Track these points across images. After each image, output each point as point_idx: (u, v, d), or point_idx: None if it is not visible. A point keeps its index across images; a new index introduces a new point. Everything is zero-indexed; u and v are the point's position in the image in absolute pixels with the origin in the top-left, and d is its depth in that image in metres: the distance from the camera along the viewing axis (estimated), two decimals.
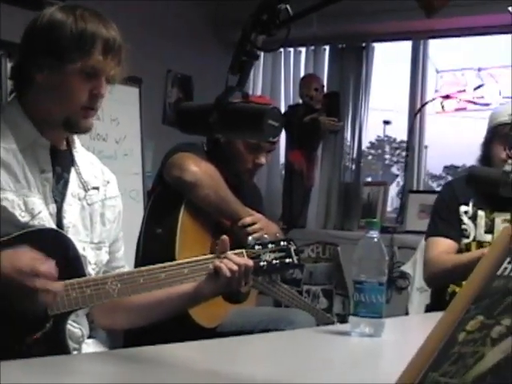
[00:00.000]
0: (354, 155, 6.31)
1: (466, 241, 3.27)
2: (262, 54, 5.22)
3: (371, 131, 6.42)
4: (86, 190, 2.10)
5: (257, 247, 2.30)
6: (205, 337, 2.03)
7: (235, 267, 2.14)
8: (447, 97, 5.92)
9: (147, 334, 2.23)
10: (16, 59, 2.09)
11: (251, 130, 1.50)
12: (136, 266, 2.69)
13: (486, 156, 3.33)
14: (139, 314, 2.19)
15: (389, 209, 6.55)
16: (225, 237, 2.21)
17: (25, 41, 2.03)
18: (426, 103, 6.08)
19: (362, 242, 2.11)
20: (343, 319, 5.06)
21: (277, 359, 1.86)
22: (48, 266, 1.78)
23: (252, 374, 1.58)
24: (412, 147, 6.09)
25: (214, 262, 2.13)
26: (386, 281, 2.08)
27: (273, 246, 2.33)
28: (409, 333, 2.33)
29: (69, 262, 1.92)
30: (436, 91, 6.14)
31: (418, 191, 6.07)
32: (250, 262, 2.21)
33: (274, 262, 2.31)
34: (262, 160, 3.09)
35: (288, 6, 1.51)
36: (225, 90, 1.50)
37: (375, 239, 2.09)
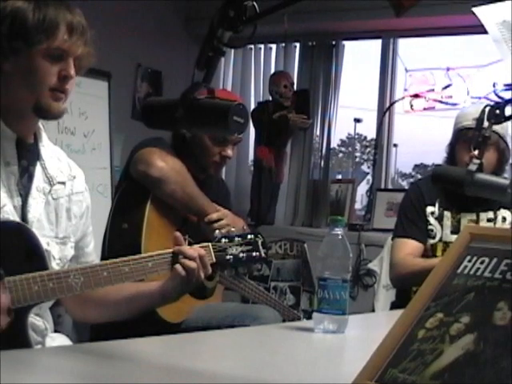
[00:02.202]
0: (323, 152, 6.32)
1: (432, 241, 3.30)
2: (232, 50, 5.21)
3: (342, 129, 6.44)
4: (51, 184, 2.09)
5: (223, 240, 2.30)
6: (170, 332, 2.03)
7: (192, 264, 2.14)
8: (416, 96, 5.95)
9: (113, 329, 2.22)
10: None
11: (216, 125, 1.50)
12: (102, 260, 2.68)
13: (452, 158, 3.36)
14: (109, 309, 2.20)
15: (358, 206, 6.58)
16: (177, 233, 2.22)
17: None
18: (395, 102, 6.10)
19: (326, 239, 2.12)
20: (310, 316, 5.06)
21: (240, 355, 1.86)
22: (3, 298, 1.77)
23: (215, 370, 1.58)
24: (381, 145, 6.12)
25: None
26: (350, 278, 2.10)
27: (239, 239, 2.33)
28: (373, 329, 2.34)
29: (31, 255, 1.91)
30: (405, 90, 6.17)
31: (385, 189, 6.10)
32: (202, 251, 2.20)
33: (241, 255, 2.31)
34: (229, 152, 3.09)
35: (255, 3, 1.51)
36: (191, 85, 1.50)
37: (339, 236, 2.10)
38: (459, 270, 1.22)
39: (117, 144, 5.36)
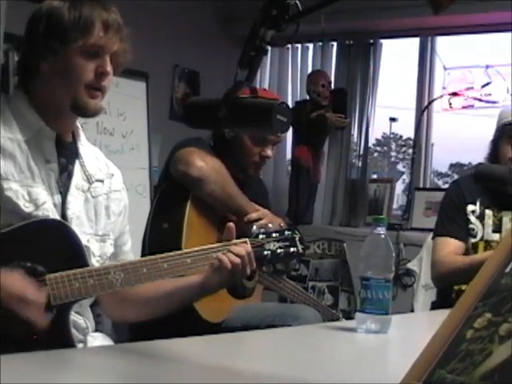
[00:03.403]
0: (361, 152, 6.29)
1: (473, 240, 3.27)
2: (270, 49, 5.21)
3: (377, 128, 6.41)
4: (90, 182, 2.11)
5: (261, 236, 2.29)
6: (210, 332, 2.03)
7: (237, 259, 2.14)
8: (455, 94, 5.90)
9: (153, 329, 2.23)
10: (20, 52, 2.10)
11: (260, 124, 1.50)
12: None
13: (494, 154, 3.32)
14: (148, 307, 2.20)
15: (394, 206, 6.54)
16: (231, 224, 2.22)
17: (27, 32, 2.05)
18: (434, 100, 6.05)
19: (369, 239, 2.10)
20: (348, 315, 5.05)
21: (283, 355, 1.86)
22: (38, 295, 1.78)
23: (257, 370, 1.58)
24: (419, 144, 6.08)
25: (216, 255, 2.13)
26: (392, 277, 2.08)
27: (277, 235, 2.32)
28: (415, 330, 2.33)
29: (72, 252, 1.92)
30: (443, 88, 6.12)
31: (424, 188, 6.06)
32: (250, 249, 2.20)
33: (279, 251, 2.30)
34: (268, 153, 3.09)
35: (297, 2, 1.51)
36: (233, 84, 1.50)
37: (382, 236, 2.08)
38: (508, 270, 1.20)
39: (155, 144, 5.37)
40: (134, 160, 4.94)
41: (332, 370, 1.64)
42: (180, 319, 2.29)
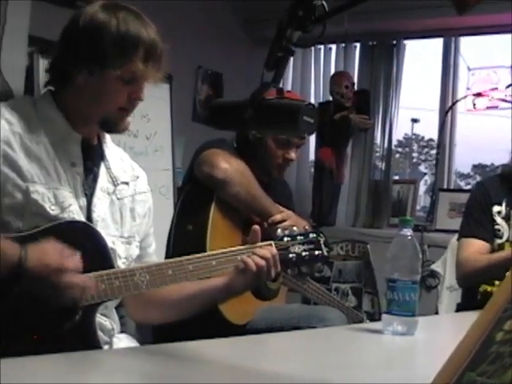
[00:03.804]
0: (384, 153, 6.27)
1: (499, 241, 3.24)
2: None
3: (399, 129, 6.38)
4: (115, 184, 2.11)
5: (285, 239, 2.28)
6: (235, 333, 2.03)
7: (262, 262, 2.14)
8: (479, 94, 5.86)
9: (177, 330, 2.23)
10: (54, 55, 2.07)
11: (286, 126, 1.49)
12: None
13: None
14: (172, 309, 2.20)
15: (417, 207, 6.52)
16: (256, 227, 2.21)
17: (65, 39, 2.02)
18: (458, 101, 6.02)
19: (395, 240, 2.09)
20: (372, 317, 5.04)
21: (309, 357, 1.85)
22: (74, 260, 1.79)
23: (283, 372, 1.57)
24: (443, 145, 6.05)
25: (242, 257, 2.13)
26: (419, 279, 2.07)
27: (302, 237, 2.31)
28: (441, 332, 2.32)
29: (98, 254, 1.93)
30: (467, 89, 6.09)
31: (448, 190, 6.03)
32: (275, 251, 2.19)
33: (304, 254, 2.29)
34: (292, 155, 3.09)
35: (324, 2, 1.50)
36: (260, 85, 1.49)
37: (409, 237, 2.07)
38: None
39: (178, 146, 5.37)
40: (157, 161, 4.95)
41: (359, 372, 1.63)
42: (204, 320, 2.29)
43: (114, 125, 2.05)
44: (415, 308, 2.04)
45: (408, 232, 2.08)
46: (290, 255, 2.26)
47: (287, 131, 1.74)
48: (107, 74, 1.96)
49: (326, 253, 2.33)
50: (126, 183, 2.16)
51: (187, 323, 2.20)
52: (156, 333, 2.76)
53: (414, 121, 13.24)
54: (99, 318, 1.99)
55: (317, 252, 2.31)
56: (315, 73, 6.59)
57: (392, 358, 1.87)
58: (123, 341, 2.12)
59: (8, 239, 1.78)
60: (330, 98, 6.06)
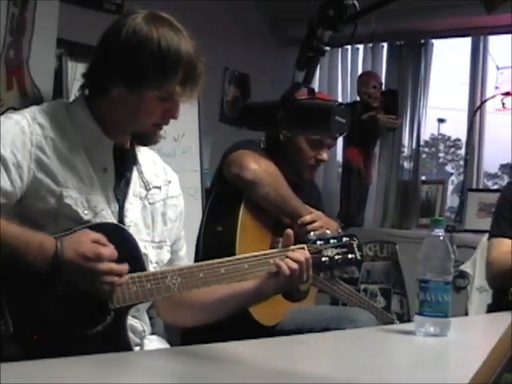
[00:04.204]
0: (412, 153, 6.24)
1: None
2: None
3: (425, 129, 6.34)
4: (147, 189, 2.11)
5: (318, 243, 2.27)
6: (264, 335, 2.03)
7: (295, 265, 2.12)
8: (508, 94, 5.82)
9: (206, 332, 2.22)
10: (92, 61, 2.06)
11: (318, 126, 1.49)
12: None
13: None
14: (203, 312, 2.19)
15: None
16: (290, 230, 2.20)
17: (105, 47, 2.01)
18: (486, 100, 5.98)
19: (427, 241, 2.08)
20: (401, 318, 5.01)
21: (340, 358, 1.85)
22: (110, 249, 1.81)
23: (315, 373, 1.57)
24: (471, 145, 6.01)
25: (274, 260, 2.12)
26: (451, 280, 2.05)
27: (335, 241, 2.29)
28: (474, 333, 2.30)
29: (129, 256, 1.93)
30: (496, 88, 6.04)
31: (477, 190, 5.99)
32: (308, 255, 2.18)
33: (337, 257, 2.28)
34: (324, 156, 3.07)
35: (355, 2, 1.50)
36: (291, 86, 1.49)
37: (440, 237, 2.06)
38: None
39: (205, 147, 5.37)
40: (185, 163, 4.95)
41: (392, 374, 1.63)
42: (234, 322, 2.28)
43: (147, 139, 2.06)
44: (448, 309, 2.03)
45: (440, 232, 2.06)
46: (323, 259, 2.25)
47: (319, 131, 1.74)
48: (144, 93, 1.95)
49: (359, 256, 2.31)
50: (159, 187, 2.15)
51: (216, 324, 2.20)
52: (184, 334, 2.76)
53: (441, 121, 13.15)
54: (130, 320, 1.99)
55: (350, 255, 2.29)
56: (342, 73, 6.58)
57: (425, 359, 1.86)
58: (154, 342, 2.13)
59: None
60: (358, 99, 6.04)
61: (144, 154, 2.16)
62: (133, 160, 2.11)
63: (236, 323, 2.31)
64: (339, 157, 6.40)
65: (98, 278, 1.78)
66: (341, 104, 1.47)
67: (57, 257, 1.75)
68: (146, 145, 2.11)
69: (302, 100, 1.48)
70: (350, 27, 1.52)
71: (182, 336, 2.78)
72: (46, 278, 1.77)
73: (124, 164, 2.08)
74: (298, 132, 2.47)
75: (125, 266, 1.83)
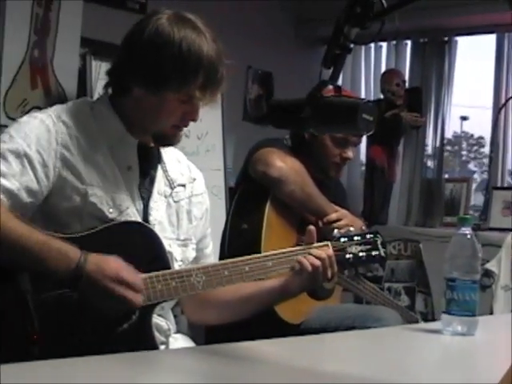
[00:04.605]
0: (436, 151, 6.22)
1: None
2: None
3: (447, 127, 6.31)
4: (172, 187, 2.11)
5: (342, 240, 2.26)
6: (289, 333, 2.03)
7: (317, 262, 2.12)
8: None
9: (230, 330, 2.22)
10: (115, 60, 2.07)
11: (345, 124, 1.49)
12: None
13: None
14: (228, 310, 2.19)
15: None
16: (312, 227, 2.19)
17: (128, 46, 2.02)
18: (511, 98, 5.94)
19: (454, 239, 2.06)
20: (425, 317, 4.99)
21: (367, 357, 1.84)
22: (133, 276, 1.80)
23: (342, 372, 1.56)
24: (496, 143, 5.97)
25: (297, 258, 2.11)
26: (479, 278, 2.03)
27: (359, 238, 2.28)
28: (501, 332, 2.27)
29: (154, 254, 1.93)
30: None
31: (502, 188, 5.95)
32: (331, 252, 2.17)
33: (361, 254, 2.27)
34: (350, 154, 3.06)
35: None
36: (318, 83, 1.49)
37: (468, 236, 2.04)
38: None
39: (228, 145, 5.37)
40: (209, 161, 4.94)
41: (419, 373, 1.62)
42: (259, 320, 2.28)
43: (167, 140, 2.06)
44: (475, 308, 2.01)
45: (467, 231, 2.05)
46: (347, 256, 2.24)
47: (346, 129, 1.74)
48: (164, 95, 1.95)
49: (383, 253, 2.30)
50: (183, 185, 2.15)
51: (241, 322, 2.20)
52: (209, 332, 2.76)
53: (464, 118, 13.11)
54: (156, 319, 1.99)
55: (374, 253, 2.28)
56: (366, 71, 6.57)
57: (453, 359, 1.85)
58: (179, 341, 2.13)
59: (67, 240, 1.80)
60: (381, 96, 6.02)
61: (168, 152, 2.16)
62: (157, 158, 2.12)
63: (261, 321, 2.30)
64: (363, 155, 6.38)
65: (114, 298, 1.77)
66: (368, 101, 1.47)
67: (78, 268, 1.75)
68: (165, 146, 2.11)
69: (329, 98, 1.47)
70: (377, 24, 1.51)
71: (206, 334, 2.78)
72: (67, 287, 1.77)
73: (148, 162, 2.08)
74: (324, 130, 2.46)
75: (140, 296, 1.82)
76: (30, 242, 1.74)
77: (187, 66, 1.93)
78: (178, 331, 2.19)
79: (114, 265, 1.79)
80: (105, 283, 1.76)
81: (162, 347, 2.03)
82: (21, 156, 1.87)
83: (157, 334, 1.99)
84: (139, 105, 2.00)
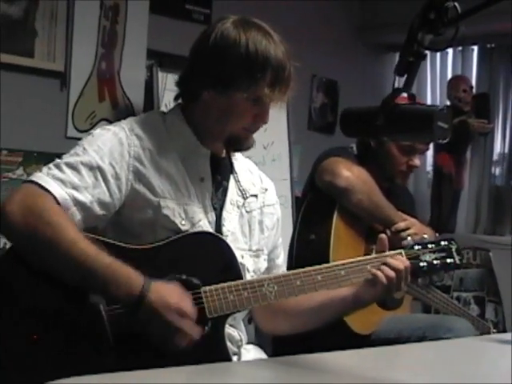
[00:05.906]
0: (505, 157, 6.13)
1: None
2: None
3: None
4: (244, 197, 2.10)
5: (416, 248, 2.22)
6: (359, 344, 2.00)
7: (392, 273, 2.08)
8: None
9: (299, 341, 2.21)
10: (183, 70, 2.07)
11: (421, 132, 1.47)
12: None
13: None
14: (300, 320, 2.17)
15: None
16: (383, 235, 2.16)
17: (194, 54, 2.03)
18: None
19: None
20: (496, 327, 4.90)
21: (442, 368, 1.81)
22: (191, 307, 1.79)
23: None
24: None
25: (371, 270, 2.08)
26: None
27: (433, 246, 2.24)
28: None
29: (226, 265, 1.92)
30: None
31: None
32: (407, 263, 2.13)
33: (435, 262, 2.22)
34: (416, 162, 3.03)
35: (456, 4, 1.47)
36: (391, 91, 1.47)
37: None
38: None
39: (294, 155, 5.36)
40: (275, 171, 4.93)
41: None
42: (329, 330, 2.26)
43: (239, 143, 2.05)
44: None
45: None
46: (421, 264, 2.20)
47: (422, 137, 1.72)
48: (233, 95, 1.95)
49: (458, 261, 2.25)
50: (255, 196, 2.14)
51: (310, 333, 2.18)
52: (276, 342, 2.75)
53: None
54: (228, 329, 1.98)
55: (449, 260, 2.23)
56: (431, 77, 6.52)
57: None
58: (251, 352, 2.12)
59: (140, 252, 1.81)
60: (448, 103, 5.96)
61: (240, 162, 2.16)
62: (229, 169, 2.11)
63: (331, 331, 2.28)
64: (429, 162, 6.32)
65: (172, 329, 1.76)
66: (443, 109, 1.44)
67: (141, 296, 1.74)
68: (238, 150, 2.10)
69: (403, 106, 1.45)
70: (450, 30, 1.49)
71: (273, 344, 2.76)
72: (128, 311, 1.77)
73: (220, 173, 2.08)
74: (399, 138, 2.44)
75: (197, 329, 1.80)
76: (96, 264, 1.75)
77: (255, 65, 1.92)
78: (250, 342, 2.18)
79: (176, 296, 1.78)
80: (165, 313, 1.75)
81: (235, 358, 2.02)
82: (94, 169, 1.89)
83: (229, 345, 1.98)
84: (209, 108, 2.00)
